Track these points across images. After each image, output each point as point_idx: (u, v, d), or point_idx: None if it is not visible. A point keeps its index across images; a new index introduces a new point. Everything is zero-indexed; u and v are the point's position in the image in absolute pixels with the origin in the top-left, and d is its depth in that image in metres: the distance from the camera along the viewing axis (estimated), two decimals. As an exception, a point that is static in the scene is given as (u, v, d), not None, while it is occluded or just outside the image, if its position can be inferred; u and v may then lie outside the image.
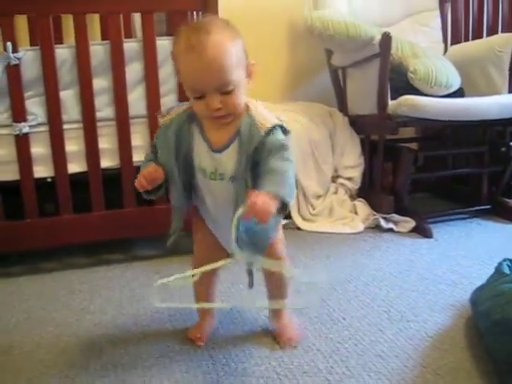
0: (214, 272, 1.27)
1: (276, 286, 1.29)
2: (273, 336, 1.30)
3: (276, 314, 1.32)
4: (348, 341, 1.28)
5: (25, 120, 1.70)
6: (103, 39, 2.24)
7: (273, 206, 0.96)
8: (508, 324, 1.09)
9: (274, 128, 1.07)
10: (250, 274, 1.13)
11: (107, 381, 1.14)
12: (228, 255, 1.15)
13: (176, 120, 1.13)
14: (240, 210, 0.98)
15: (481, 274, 1.56)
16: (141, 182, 1.10)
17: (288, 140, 1.09)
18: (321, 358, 1.20)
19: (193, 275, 1.11)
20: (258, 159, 1.06)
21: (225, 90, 1.03)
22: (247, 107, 1.10)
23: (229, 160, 1.10)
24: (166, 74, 1.80)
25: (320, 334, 1.31)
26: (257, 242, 1.10)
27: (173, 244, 1.22)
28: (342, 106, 2.62)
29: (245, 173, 1.07)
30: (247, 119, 1.08)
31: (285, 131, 1.10)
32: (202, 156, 1.13)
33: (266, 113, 1.11)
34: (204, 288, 1.30)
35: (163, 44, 1.78)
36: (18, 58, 1.66)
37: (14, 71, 1.67)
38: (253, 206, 0.95)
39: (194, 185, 1.18)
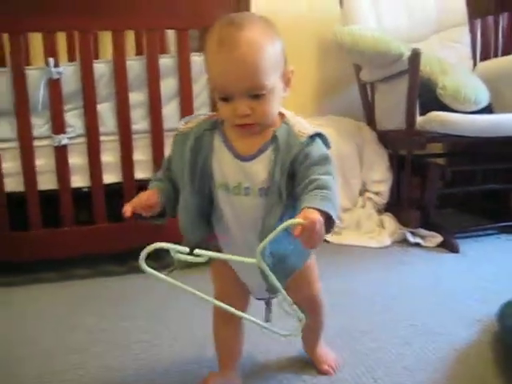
0: (238, 327, 1.15)
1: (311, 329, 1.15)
2: (307, 362, 1.26)
3: (312, 342, 1.24)
4: (375, 353, 1.30)
5: (64, 132, 1.77)
6: (137, 54, 2.32)
7: (323, 233, 0.83)
8: (535, 339, 1.10)
9: (314, 137, 0.95)
10: (268, 305, 1.11)
11: (141, 385, 1.19)
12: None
13: (196, 128, 1.00)
14: (292, 221, 0.81)
15: (508, 290, 1.56)
16: (126, 209, 0.97)
17: (329, 152, 0.97)
18: (348, 368, 1.22)
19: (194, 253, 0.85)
20: (295, 170, 0.94)
21: (256, 94, 0.90)
22: (282, 116, 0.99)
23: (260, 170, 0.95)
24: (200, 88, 1.86)
25: (347, 345, 1.34)
26: (285, 268, 1.00)
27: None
28: (371, 121, 2.65)
29: (279, 184, 0.93)
30: (284, 127, 0.96)
31: (326, 142, 0.98)
32: (224, 167, 0.98)
33: (304, 122, 0.99)
34: (229, 334, 1.15)
35: (197, 60, 1.84)
36: (59, 73, 1.73)
37: (55, 85, 1.74)
38: (310, 228, 0.80)
39: (214, 207, 1.03)
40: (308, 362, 1.25)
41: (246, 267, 0.99)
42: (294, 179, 0.94)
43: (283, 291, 0.91)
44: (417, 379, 1.18)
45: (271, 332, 0.98)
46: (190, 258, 0.83)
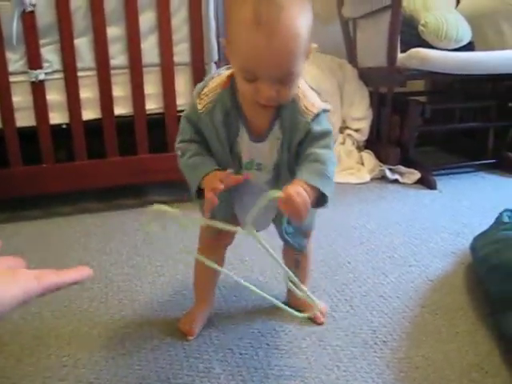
0: (221, 256, 1.16)
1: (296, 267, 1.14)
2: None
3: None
4: (352, 283, 1.34)
5: (40, 67, 1.74)
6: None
7: (309, 202, 0.84)
8: (505, 268, 1.14)
9: (320, 114, 0.94)
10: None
11: (124, 314, 1.21)
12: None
13: (220, 104, 0.94)
14: (273, 194, 0.81)
15: (482, 224, 1.59)
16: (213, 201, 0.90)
17: (331, 127, 0.97)
18: (326, 297, 1.27)
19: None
20: (300, 147, 0.96)
21: (284, 81, 0.85)
22: None
23: (269, 149, 0.98)
24: (179, 22, 1.82)
25: (326, 275, 1.38)
26: (303, 230, 1.10)
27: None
28: (352, 58, 2.63)
29: (288, 162, 0.97)
30: (290, 102, 0.93)
31: (327, 113, 0.98)
32: (241, 144, 0.98)
33: (309, 94, 0.96)
34: (208, 273, 1.14)
35: (176, -8, 1.80)
36: (33, 5, 1.68)
37: (29, 18, 1.69)
38: (289, 201, 0.81)
39: None
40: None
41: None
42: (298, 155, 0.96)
43: (289, 271, 0.90)
44: (392, 306, 1.22)
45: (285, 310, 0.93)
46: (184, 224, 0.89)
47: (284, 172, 0.99)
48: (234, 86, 0.93)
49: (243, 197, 1.05)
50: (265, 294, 0.89)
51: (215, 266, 0.91)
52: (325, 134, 0.94)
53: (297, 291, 0.90)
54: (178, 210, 0.84)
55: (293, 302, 1.20)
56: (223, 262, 1.18)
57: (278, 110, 0.94)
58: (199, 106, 0.95)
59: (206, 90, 0.97)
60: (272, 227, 1.12)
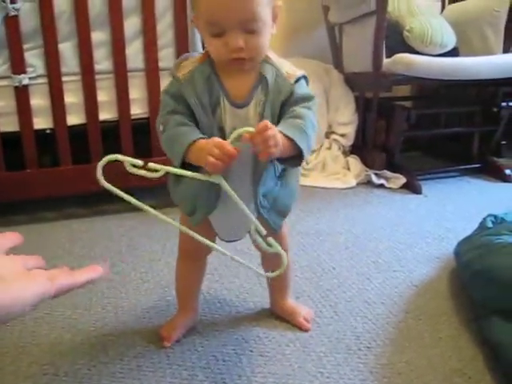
0: (201, 265, 1.16)
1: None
2: (277, 317, 1.21)
3: (281, 295, 1.21)
4: (337, 288, 1.34)
5: (24, 72, 1.72)
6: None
7: (280, 142, 0.83)
8: (487, 273, 1.15)
9: (300, 78, 0.95)
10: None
11: (108, 321, 1.20)
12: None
13: (199, 73, 0.93)
14: (245, 129, 0.82)
15: (466, 229, 1.59)
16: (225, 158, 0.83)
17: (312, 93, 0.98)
18: (310, 303, 1.27)
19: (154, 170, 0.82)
20: (282, 110, 0.94)
21: (250, 28, 0.86)
22: (265, 56, 0.95)
23: (252, 114, 0.94)
24: (164, 27, 1.81)
25: (310, 281, 1.38)
26: (279, 208, 1.03)
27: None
28: (338, 63, 2.64)
29: None
30: (269, 68, 0.93)
31: (307, 82, 0.98)
32: (224, 113, 0.94)
33: (289, 63, 0.98)
34: (191, 270, 1.15)
35: (161, -3, 1.79)
36: (17, 9, 1.66)
37: (12, 22, 1.67)
38: (261, 131, 0.80)
39: None
40: (264, 314, 1.24)
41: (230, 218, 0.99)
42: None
43: (256, 221, 0.91)
44: (376, 312, 1.23)
45: (247, 268, 0.93)
46: (144, 173, 0.80)
47: None
48: (211, 60, 0.93)
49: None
50: (253, 267, 0.92)
51: (204, 239, 0.89)
52: (306, 98, 0.95)
53: (264, 244, 0.90)
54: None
55: (279, 309, 1.21)
56: (204, 271, 1.17)
57: (260, 76, 0.93)
58: (179, 75, 0.94)
59: (184, 63, 0.97)
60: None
